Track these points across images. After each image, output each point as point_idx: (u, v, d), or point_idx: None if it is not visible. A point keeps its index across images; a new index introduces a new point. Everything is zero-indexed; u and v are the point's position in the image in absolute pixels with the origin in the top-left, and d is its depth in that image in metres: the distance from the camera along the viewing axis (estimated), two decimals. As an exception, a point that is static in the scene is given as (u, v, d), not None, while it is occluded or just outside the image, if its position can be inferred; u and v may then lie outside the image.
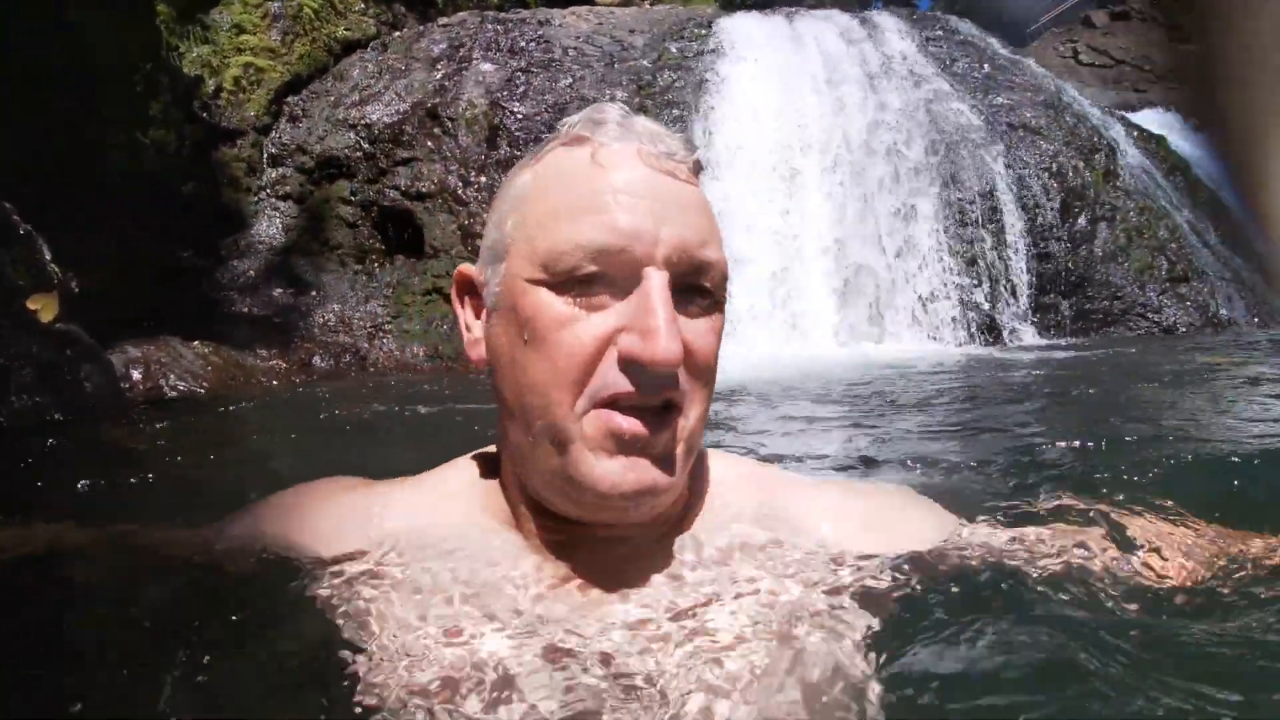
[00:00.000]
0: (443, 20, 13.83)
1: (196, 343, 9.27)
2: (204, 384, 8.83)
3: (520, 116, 11.51)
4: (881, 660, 0.91)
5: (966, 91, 11.03)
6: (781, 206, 9.86)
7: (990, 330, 9.28)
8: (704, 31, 12.70)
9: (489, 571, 0.97)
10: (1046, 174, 10.22)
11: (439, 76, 12.22)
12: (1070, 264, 9.92)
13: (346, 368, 9.89)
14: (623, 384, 0.89)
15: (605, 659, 0.87)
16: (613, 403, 0.90)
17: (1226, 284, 10.66)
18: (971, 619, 0.93)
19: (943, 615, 0.95)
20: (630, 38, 12.99)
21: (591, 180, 0.92)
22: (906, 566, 1.02)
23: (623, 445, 0.90)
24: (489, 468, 1.09)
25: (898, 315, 8.96)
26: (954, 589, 0.99)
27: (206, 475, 3.15)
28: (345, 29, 13.15)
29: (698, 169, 1.02)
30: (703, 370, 0.94)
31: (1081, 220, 10.15)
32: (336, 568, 1.01)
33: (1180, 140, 15.24)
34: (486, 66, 12.25)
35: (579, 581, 0.97)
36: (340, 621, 0.96)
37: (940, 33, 12.57)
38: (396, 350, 10.28)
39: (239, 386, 8.98)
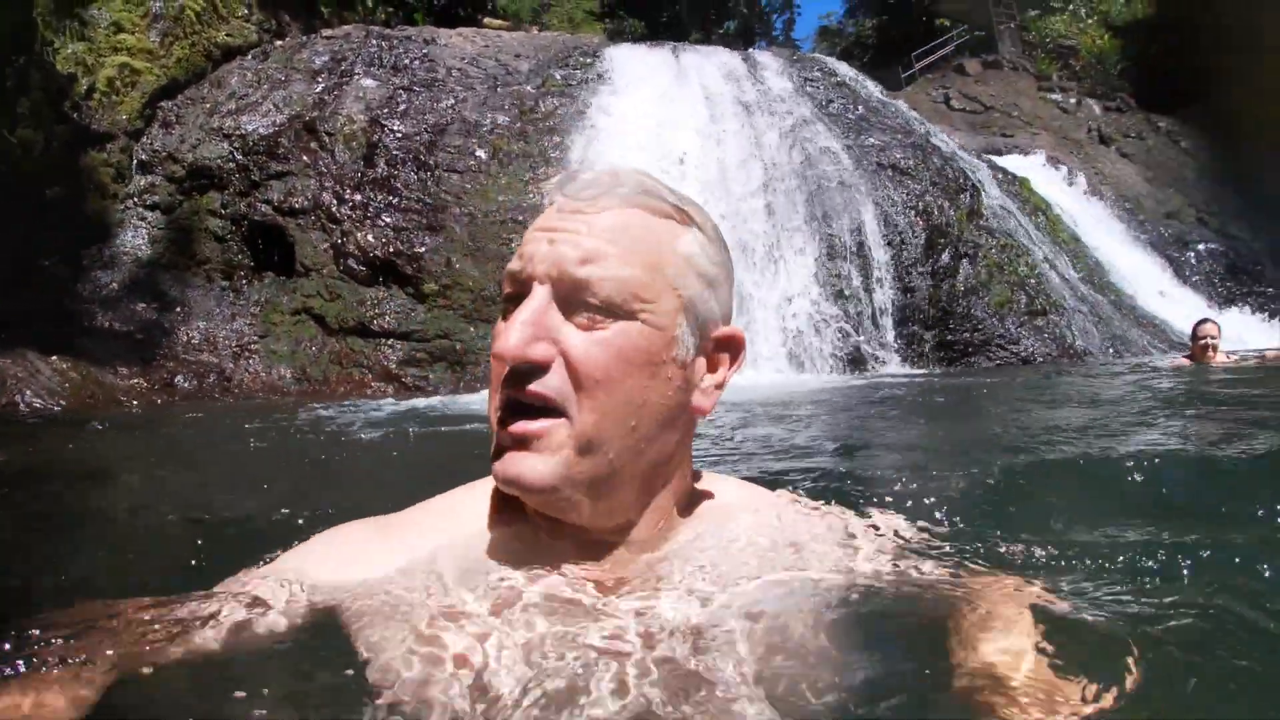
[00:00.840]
0: (327, 32, 13.58)
1: (55, 357, 8.73)
2: (61, 401, 8.32)
3: (399, 135, 11.36)
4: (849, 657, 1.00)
5: (840, 131, 11.40)
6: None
7: (857, 360, 9.55)
8: (590, 60, 12.80)
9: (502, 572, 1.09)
10: (913, 212, 10.62)
11: (319, 89, 12.03)
12: (934, 297, 10.30)
13: (210, 389, 9.49)
14: (506, 386, 1.02)
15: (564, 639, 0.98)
16: (503, 403, 1.03)
17: (1083, 317, 11.23)
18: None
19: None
20: (516, 62, 12.99)
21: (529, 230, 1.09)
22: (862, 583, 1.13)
23: (500, 440, 1.03)
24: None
25: (769, 346, 9.12)
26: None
27: (60, 504, 2.98)
28: (227, 34, 12.75)
29: (646, 205, 1.08)
30: (584, 378, 1.01)
31: (945, 256, 10.56)
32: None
33: (1044, 182, 16.15)
34: (368, 82, 12.06)
35: (569, 578, 1.07)
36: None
37: (819, 74, 12.99)
38: (263, 372, 9.93)
39: (98, 405, 8.46)
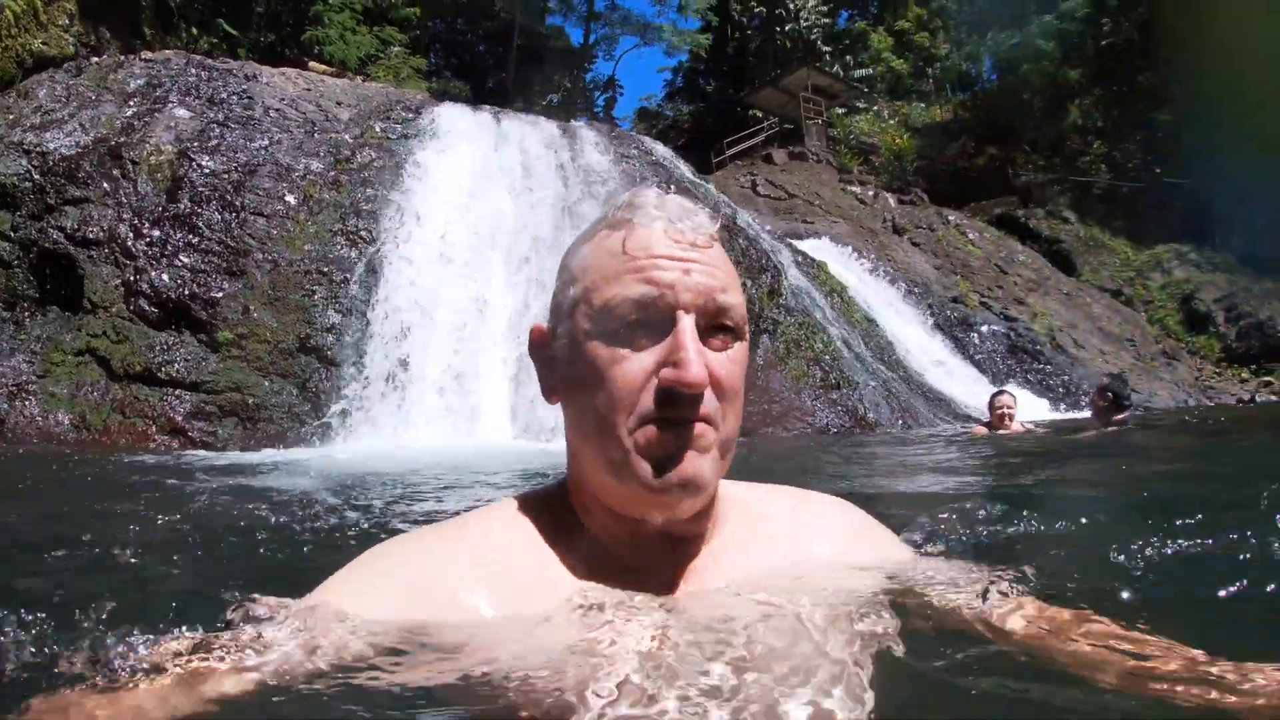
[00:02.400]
0: (147, 54, 12.85)
1: None
2: None
3: (207, 171, 10.81)
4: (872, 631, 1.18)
5: (652, 206, 11.76)
6: (470, 298, 9.89)
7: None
8: (411, 116, 12.71)
9: (560, 571, 1.21)
10: (717, 287, 11.00)
11: (130, 114, 11.33)
12: (733, 370, 10.66)
13: (-23, 431, 8.62)
14: (665, 407, 1.11)
15: (655, 632, 1.11)
16: (656, 420, 1.12)
17: (873, 390, 11.91)
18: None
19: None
20: (337, 109, 12.72)
21: (632, 252, 1.15)
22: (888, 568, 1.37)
23: (665, 451, 1.12)
24: (549, 500, 1.30)
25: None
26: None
27: None
28: (43, 42, 11.86)
29: (719, 235, 1.22)
30: (728, 391, 1.15)
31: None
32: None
33: (841, 266, 17.24)
34: (182, 112, 11.46)
35: (638, 570, 1.21)
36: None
37: (635, 151, 13.42)
38: (39, 415, 9.03)
39: None
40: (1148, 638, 1.13)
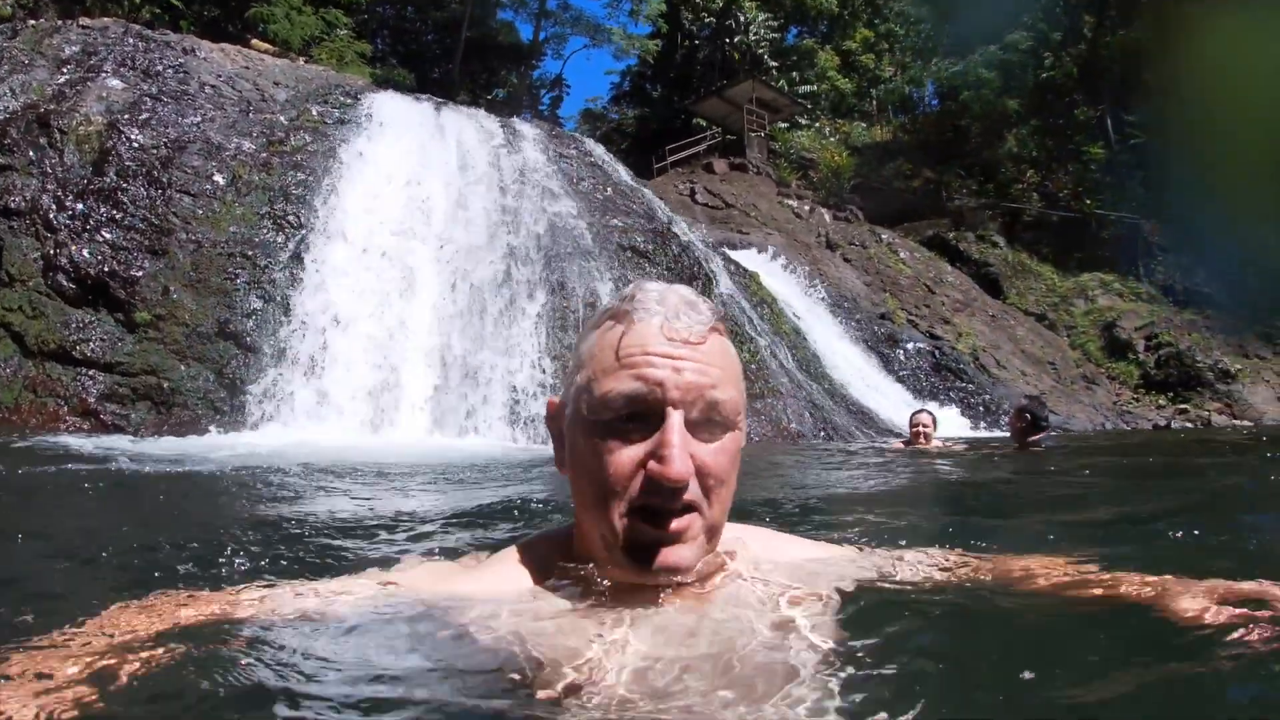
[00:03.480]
0: (85, 21, 12.48)
1: None
2: None
3: (136, 145, 10.50)
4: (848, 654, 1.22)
5: (586, 209, 11.80)
6: (394, 289, 9.79)
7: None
8: (349, 101, 12.56)
9: (573, 614, 1.27)
10: (646, 292, 11.08)
11: (61, 81, 11.00)
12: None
13: (-122, 407, 8.26)
14: (650, 496, 1.21)
15: (644, 667, 1.15)
16: (644, 508, 1.22)
17: (797, 402, 12.08)
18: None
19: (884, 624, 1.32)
20: (274, 90, 12.50)
21: (627, 348, 1.23)
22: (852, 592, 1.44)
23: (648, 541, 1.22)
24: (559, 544, 1.40)
25: (493, 412, 9.13)
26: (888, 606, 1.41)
27: None
28: None
29: (718, 328, 1.30)
30: (715, 480, 1.24)
31: (673, 337, 11.06)
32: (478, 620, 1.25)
33: (772, 278, 17.48)
34: (115, 83, 11.14)
35: (640, 612, 1.26)
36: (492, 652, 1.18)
37: (574, 152, 13.45)
38: (-55, 394, 8.78)
39: None
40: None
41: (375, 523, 3.20)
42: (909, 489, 5.29)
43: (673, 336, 1.24)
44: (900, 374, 17.98)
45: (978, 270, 26.43)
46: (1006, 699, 1.11)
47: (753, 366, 11.70)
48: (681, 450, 1.19)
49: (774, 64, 37.32)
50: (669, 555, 1.24)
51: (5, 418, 8.66)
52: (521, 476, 5.79)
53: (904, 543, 2.36)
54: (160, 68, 11.76)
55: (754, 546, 1.49)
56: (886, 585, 1.51)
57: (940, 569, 1.59)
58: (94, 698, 0.96)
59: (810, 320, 16.83)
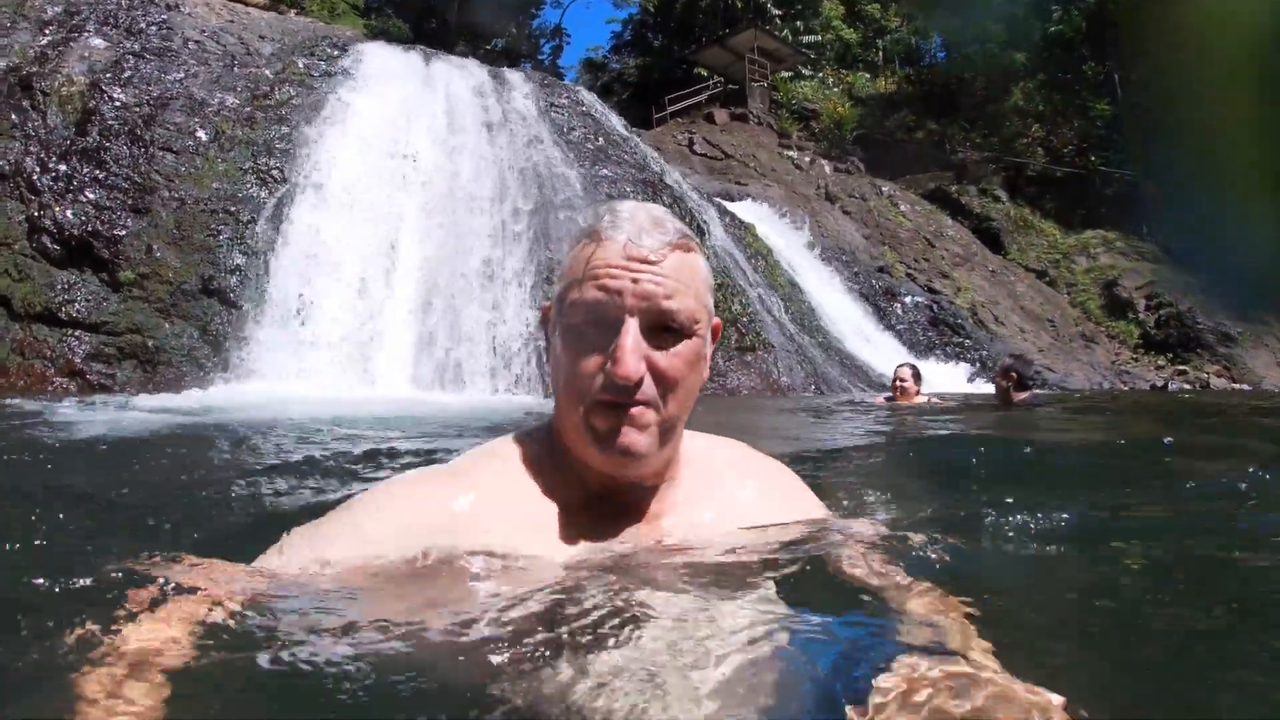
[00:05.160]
0: None
1: None
2: None
3: (119, 104, 10.42)
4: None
5: (576, 159, 11.65)
6: (378, 242, 9.72)
7: (566, 385, 9.69)
8: (336, 53, 12.37)
9: (547, 510, 1.43)
10: (634, 244, 10.95)
11: (44, 43, 10.90)
12: (647, 328, 10.62)
13: None
14: (608, 392, 1.33)
15: (611, 566, 1.37)
16: (605, 403, 1.34)
17: (789, 355, 12.03)
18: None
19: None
20: (259, 43, 12.33)
21: (593, 262, 1.36)
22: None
23: (606, 426, 1.35)
24: (538, 439, 1.52)
25: (476, 365, 9.10)
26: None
27: None
28: None
29: (683, 245, 1.41)
30: (669, 380, 1.36)
31: (662, 289, 10.95)
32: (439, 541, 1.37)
33: (769, 230, 17.31)
34: (97, 42, 11.04)
35: (608, 512, 1.44)
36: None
37: (565, 101, 13.24)
38: (-69, 356, 8.79)
39: None
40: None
41: (359, 474, 3.22)
42: (877, 445, 5.23)
43: (632, 254, 1.36)
44: (897, 328, 17.88)
45: (979, 225, 26.12)
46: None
47: (744, 319, 11.63)
48: (633, 353, 1.33)
49: (777, 12, 36.60)
50: (625, 438, 1.36)
51: (-2, 382, 8.73)
52: (505, 429, 5.76)
53: (847, 503, 2.34)
54: (143, 25, 11.64)
55: (720, 459, 1.64)
56: (822, 551, 1.56)
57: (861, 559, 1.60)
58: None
59: (807, 273, 16.70)
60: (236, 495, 2.50)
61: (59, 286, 9.32)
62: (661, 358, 1.36)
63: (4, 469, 3.85)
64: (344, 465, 3.50)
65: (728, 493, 1.58)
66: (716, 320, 1.49)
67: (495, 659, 1.13)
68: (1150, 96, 24.56)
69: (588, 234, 1.42)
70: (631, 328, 1.34)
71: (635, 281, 1.34)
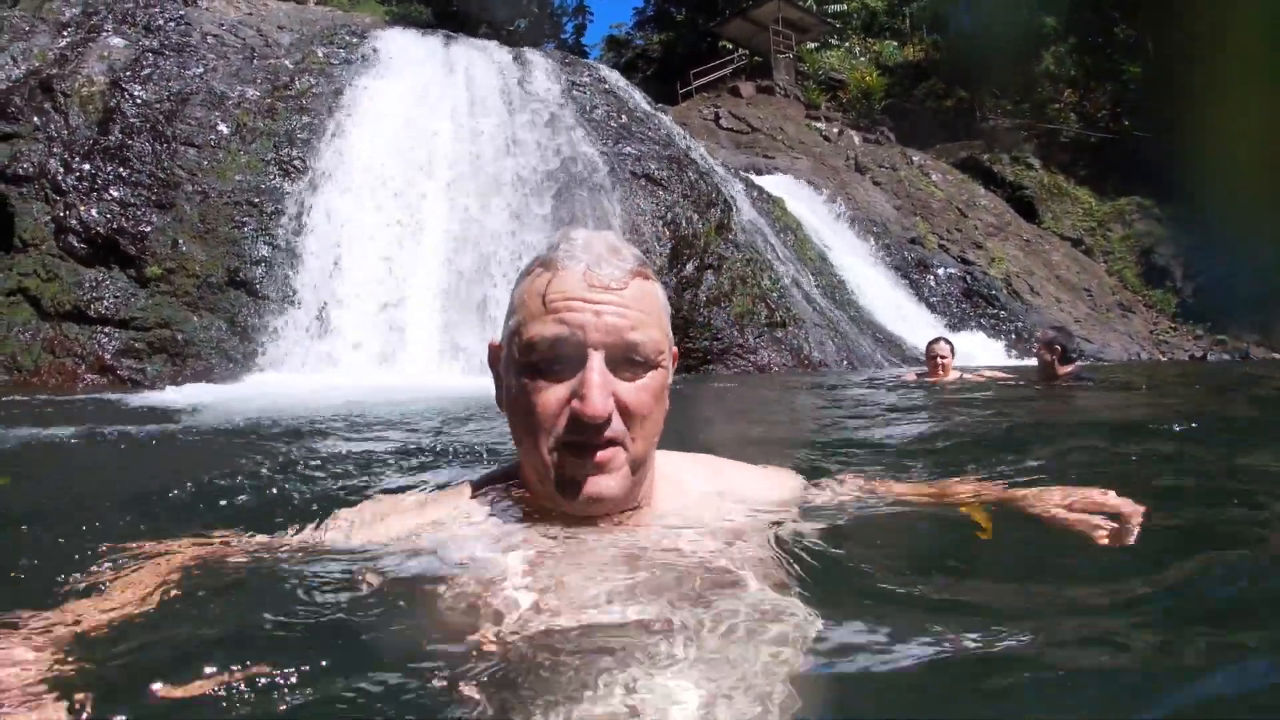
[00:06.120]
0: None
1: None
2: None
3: (140, 101, 10.46)
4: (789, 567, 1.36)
5: (599, 138, 11.49)
6: (402, 228, 9.67)
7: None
8: (356, 40, 12.30)
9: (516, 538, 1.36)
10: (660, 222, 10.82)
11: (63, 45, 10.96)
12: (676, 306, 10.47)
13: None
14: (574, 433, 1.28)
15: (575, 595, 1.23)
16: (571, 445, 1.29)
17: (820, 330, 11.83)
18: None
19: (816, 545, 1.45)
20: (278, 34, 12.30)
21: (551, 295, 1.29)
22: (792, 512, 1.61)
23: (574, 474, 1.30)
24: (500, 479, 1.49)
25: (502, 351, 9.01)
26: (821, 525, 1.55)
27: None
28: None
29: (642, 273, 1.35)
30: (636, 415, 1.31)
31: (690, 267, 10.84)
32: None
33: (798, 203, 17.05)
34: (116, 41, 11.07)
35: (576, 543, 1.34)
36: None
37: (588, 79, 13.06)
38: (-30, 359, 8.89)
39: None
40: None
41: (385, 461, 3.19)
42: (915, 431, 4.96)
43: (594, 283, 1.30)
44: (930, 300, 17.57)
45: (1012, 193, 25.56)
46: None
47: (774, 295, 11.45)
48: (601, 389, 1.27)
49: (801, -18, 36.06)
50: (594, 485, 1.31)
51: (26, 379, 8.82)
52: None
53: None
54: (160, 22, 11.65)
55: (692, 479, 1.57)
56: (818, 522, 1.56)
57: (851, 495, 1.73)
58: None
59: (837, 246, 16.43)
60: (271, 488, 2.46)
61: (87, 284, 9.41)
62: (628, 392, 1.31)
63: (51, 465, 3.85)
64: (370, 455, 3.45)
65: (702, 506, 1.52)
66: (674, 349, 1.45)
67: (456, 668, 1.08)
68: (1185, 59, 23.84)
69: (542, 263, 1.35)
70: (597, 362, 1.28)
71: (598, 314, 1.28)
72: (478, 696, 1.04)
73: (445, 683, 1.06)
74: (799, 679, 1.07)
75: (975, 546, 1.49)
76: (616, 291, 1.31)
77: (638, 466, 1.36)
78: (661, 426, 1.39)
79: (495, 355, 1.46)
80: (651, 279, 1.38)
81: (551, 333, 1.28)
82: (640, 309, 1.32)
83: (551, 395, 1.29)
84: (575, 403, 1.27)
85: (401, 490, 1.87)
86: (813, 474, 2.00)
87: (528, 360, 1.30)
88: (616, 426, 1.30)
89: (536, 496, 1.41)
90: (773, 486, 1.70)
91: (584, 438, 1.29)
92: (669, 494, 1.50)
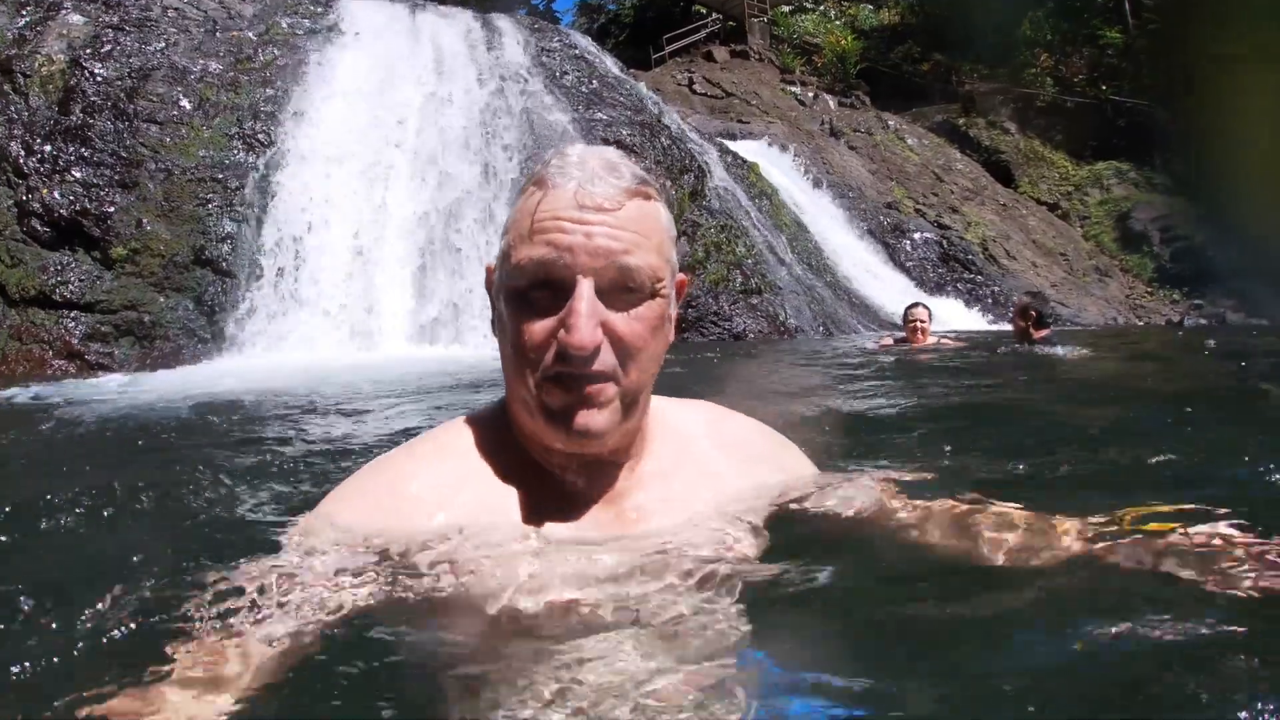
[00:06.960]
0: None
1: None
2: None
3: (100, 80, 10.23)
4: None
5: (569, 104, 11.37)
6: (369, 200, 9.57)
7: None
8: (320, 10, 12.07)
9: (508, 496, 1.32)
10: (632, 189, 10.72)
11: (22, 24, 10.68)
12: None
13: None
14: (562, 364, 1.20)
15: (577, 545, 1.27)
16: (558, 376, 1.21)
17: (796, 297, 11.79)
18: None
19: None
20: (241, 6, 12.04)
21: (540, 215, 1.21)
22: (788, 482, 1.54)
23: (562, 405, 1.22)
24: (493, 418, 1.41)
25: (471, 319, 8.96)
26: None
27: None
28: None
29: (642, 192, 1.25)
30: (629, 347, 1.22)
31: (663, 234, 10.75)
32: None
33: (773, 168, 16.95)
34: (76, 18, 10.81)
35: (571, 492, 1.33)
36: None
37: (557, 45, 12.90)
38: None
39: None
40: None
41: (362, 439, 3.21)
42: (895, 395, 4.98)
43: (585, 203, 1.21)
44: (906, 265, 17.55)
45: (988, 158, 25.48)
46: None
47: (748, 261, 11.40)
48: (589, 318, 1.18)
49: (773, -53, 35.71)
50: (583, 418, 1.24)
51: (-9, 371, 8.67)
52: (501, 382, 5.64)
53: (854, 466, 2.16)
54: (122, -4, 11.39)
55: (691, 425, 1.51)
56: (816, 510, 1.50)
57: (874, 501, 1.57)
58: None
59: (813, 211, 16.34)
60: (251, 473, 2.44)
61: (52, 269, 9.26)
62: (620, 322, 1.23)
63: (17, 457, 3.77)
64: (346, 434, 3.41)
65: (701, 462, 1.45)
66: (682, 276, 1.36)
67: (449, 653, 1.07)
68: (1163, 22, 23.77)
69: (533, 181, 1.27)
70: (585, 289, 1.19)
71: (589, 236, 1.19)
72: (476, 694, 1.03)
73: (444, 682, 1.05)
74: (783, 674, 1.05)
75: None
76: (611, 212, 1.22)
77: (630, 403, 1.28)
78: (661, 361, 1.32)
79: (488, 280, 1.39)
80: (654, 199, 1.29)
81: (538, 255, 1.20)
82: (637, 231, 1.23)
83: (539, 324, 1.22)
84: (562, 333, 1.20)
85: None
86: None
87: (515, 285, 1.24)
88: (606, 359, 1.22)
89: (526, 439, 1.34)
90: (780, 456, 1.61)
91: (572, 369, 1.21)
92: (665, 445, 1.42)
